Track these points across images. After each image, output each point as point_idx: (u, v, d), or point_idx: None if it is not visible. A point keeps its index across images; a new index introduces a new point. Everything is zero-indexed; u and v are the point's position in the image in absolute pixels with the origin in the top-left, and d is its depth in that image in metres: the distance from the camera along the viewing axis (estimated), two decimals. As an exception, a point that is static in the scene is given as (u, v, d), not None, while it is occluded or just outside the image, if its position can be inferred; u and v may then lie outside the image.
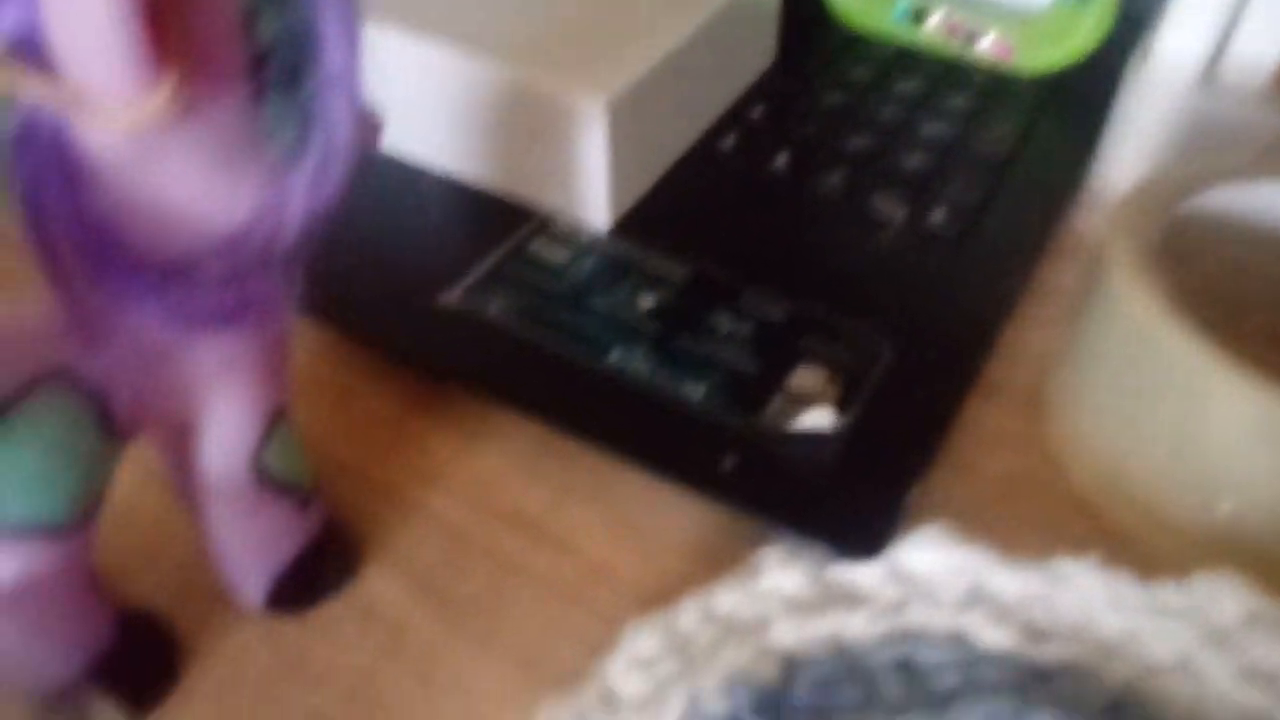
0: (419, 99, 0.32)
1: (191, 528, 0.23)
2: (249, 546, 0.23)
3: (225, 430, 0.21)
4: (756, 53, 0.38)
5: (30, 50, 0.15)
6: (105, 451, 0.19)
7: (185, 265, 0.18)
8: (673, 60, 0.32)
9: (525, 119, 0.31)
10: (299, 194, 0.18)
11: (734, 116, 0.37)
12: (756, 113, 0.37)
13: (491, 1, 0.33)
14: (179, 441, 0.21)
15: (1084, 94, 0.36)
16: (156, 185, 0.17)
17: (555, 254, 0.31)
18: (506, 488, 0.28)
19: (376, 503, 0.27)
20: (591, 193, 0.31)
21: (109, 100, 0.15)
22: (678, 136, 0.35)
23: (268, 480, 0.22)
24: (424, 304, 0.30)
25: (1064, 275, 0.33)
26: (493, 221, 0.32)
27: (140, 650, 0.23)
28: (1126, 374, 0.25)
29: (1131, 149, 0.33)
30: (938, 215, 0.33)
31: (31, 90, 0.15)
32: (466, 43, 0.31)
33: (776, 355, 0.28)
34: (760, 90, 0.38)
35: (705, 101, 0.36)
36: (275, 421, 0.22)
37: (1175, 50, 0.33)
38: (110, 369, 0.18)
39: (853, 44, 0.41)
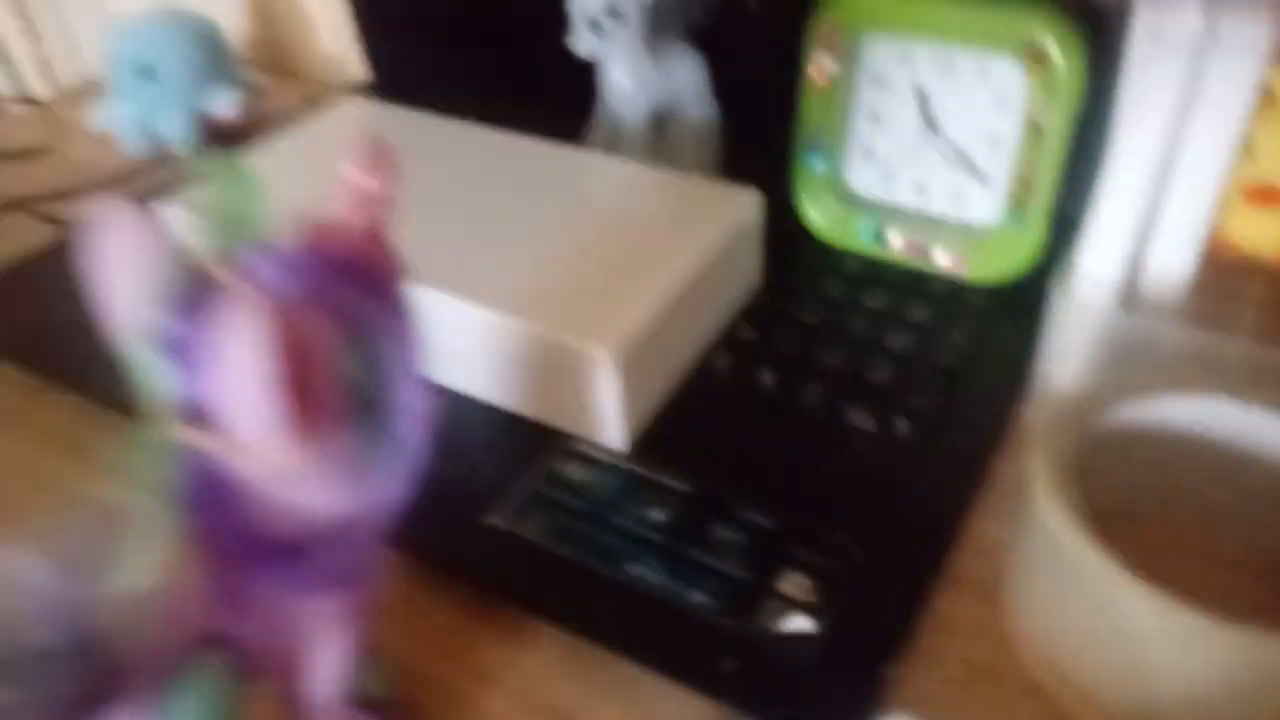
0: (462, 345, 0.39)
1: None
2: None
3: (327, 665, 0.27)
4: (744, 277, 0.45)
5: (197, 411, 0.21)
6: (241, 693, 0.24)
7: (304, 546, 0.24)
8: (673, 302, 0.38)
9: (548, 363, 0.37)
10: (388, 491, 0.23)
11: (727, 338, 0.43)
12: (745, 334, 0.43)
13: (514, 264, 0.40)
14: (289, 676, 0.26)
15: (1028, 303, 0.42)
16: (285, 495, 0.22)
17: (580, 474, 0.37)
18: (547, 685, 0.33)
19: (439, 701, 0.32)
20: (608, 421, 0.37)
21: (262, 450, 0.21)
22: (678, 362, 0.41)
23: (364, 702, 0.28)
24: (474, 523, 0.35)
25: (1017, 468, 0.38)
26: (528, 442, 0.38)
27: None
28: (1053, 578, 0.30)
29: (1062, 355, 0.39)
30: (902, 425, 0.38)
31: (204, 442, 0.21)
32: (496, 302, 0.37)
33: (767, 562, 0.33)
34: (748, 312, 0.44)
35: (701, 329, 0.42)
36: (368, 652, 0.27)
37: (1093, 268, 0.38)
38: (247, 629, 0.24)
39: (828, 259, 0.47)
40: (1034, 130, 0.41)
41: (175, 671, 0.23)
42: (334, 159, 0.49)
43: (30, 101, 0.73)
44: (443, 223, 0.43)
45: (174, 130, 0.65)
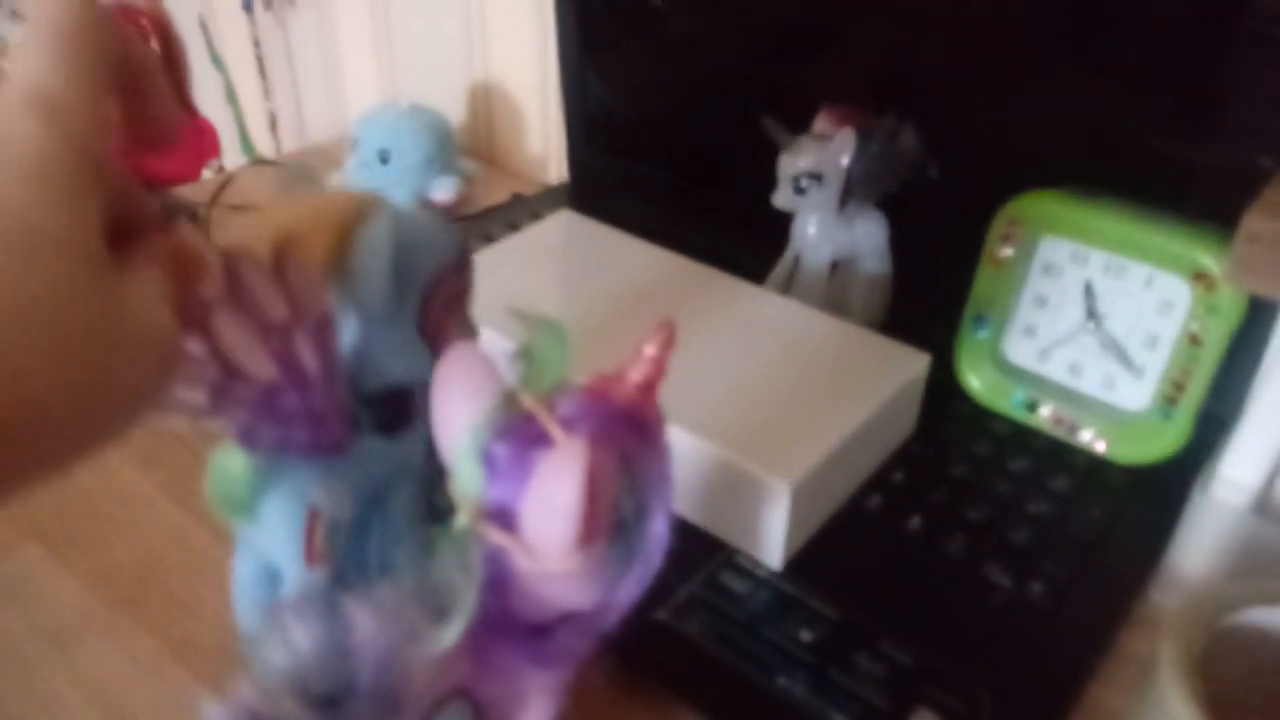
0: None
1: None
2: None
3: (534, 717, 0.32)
4: (903, 426, 0.49)
5: (502, 516, 0.27)
6: (471, 738, 0.30)
7: (549, 629, 0.29)
8: (844, 445, 0.43)
9: (727, 483, 0.43)
10: (625, 593, 0.29)
11: (880, 479, 0.48)
12: (898, 478, 0.48)
13: (705, 390, 0.46)
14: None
15: (1165, 490, 0.46)
16: (548, 589, 0.28)
17: (739, 585, 0.42)
18: (691, 770, 0.38)
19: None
20: (770, 541, 0.42)
21: (549, 556, 0.27)
22: (838, 496, 0.46)
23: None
24: (642, 615, 0.41)
25: (1139, 642, 0.42)
26: (696, 548, 0.44)
27: None
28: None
29: (1196, 549, 0.42)
30: (1036, 587, 0.42)
31: (496, 538, 0.27)
32: (688, 423, 0.43)
33: (903, 695, 0.37)
34: (902, 457, 0.49)
35: (861, 468, 0.47)
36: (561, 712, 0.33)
37: (1233, 476, 0.42)
38: (485, 687, 0.30)
39: (980, 419, 0.51)
40: (1191, 339, 0.45)
41: (431, 713, 0.29)
42: (548, 267, 0.57)
43: (265, 163, 0.83)
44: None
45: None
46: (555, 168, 0.84)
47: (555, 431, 0.27)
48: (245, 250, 0.29)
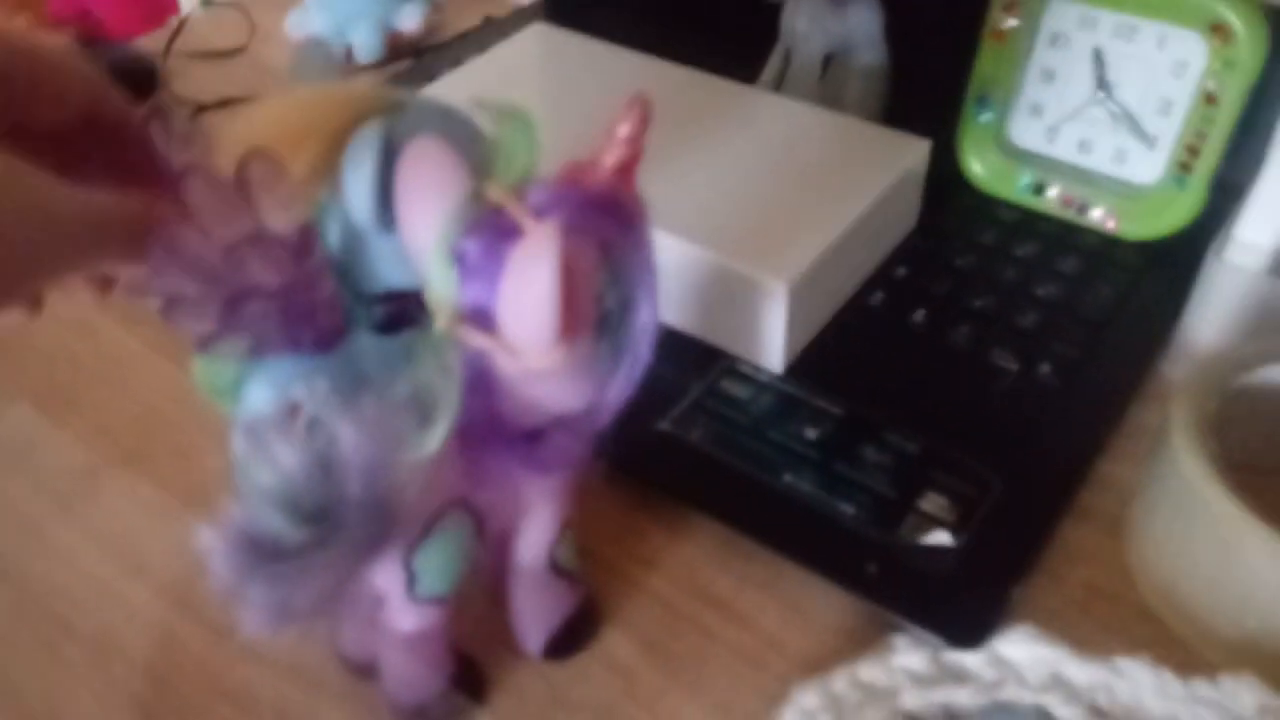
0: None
1: (496, 601, 0.34)
2: (536, 613, 0.34)
3: (537, 534, 0.32)
4: (903, 219, 0.47)
5: (479, 316, 0.26)
6: (474, 548, 0.30)
7: (541, 433, 0.28)
8: (842, 241, 0.42)
9: (722, 288, 0.41)
10: (615, 391, 0.28)
11: (882, 275, 0.46)
12: (900, 272, 0.46)
13: (696, 195, 0.43)
14: (503, 541, 0.32)
15: (1177, 263, 0.44)
16: (534, 389, 0.27)
17: (741, 391, 0.41)
18: (703, 572, 0.38)
19: (609, 579, 0.37)
20: (770, 344, 0.41)
21: (529, 353, 0.25)
22: (838, 295, 0.44)
23: (556, 568, 0.33)
24: (645, 427, 0.40)
25: (1150, 415, 0.41)
26: (693, 359, 0.43)
27: (464, 678, 0.34)
28: (1180, 518, 0.33)
29: (1209, 317, 0.41)
30: (1044, 369, 0.41)
31: (480, 341, 0.26)
32: (678, 229, 0.41)
33: (911, 482, 0.37)
34: (904, 251, 0.47)
35: (861, 266, 0.45)
36: (566, 526, 0.33)
37: (1249, 239, 0.40)
38: (486, 498, 0.29)
39: (983, 207, 0.49)
40: (1207, 99, 0.42)
41: (431, 524, 0.28)
42: (522, 83, 0.54)
43: (230, 4, 0.79)
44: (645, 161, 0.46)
45: (362, 41, 0.70)
46: (530, -14, 0.79)
47: (526, 221, 0.25)
48: (204, 167, 0.27)
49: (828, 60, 0.53)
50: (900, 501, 0.37)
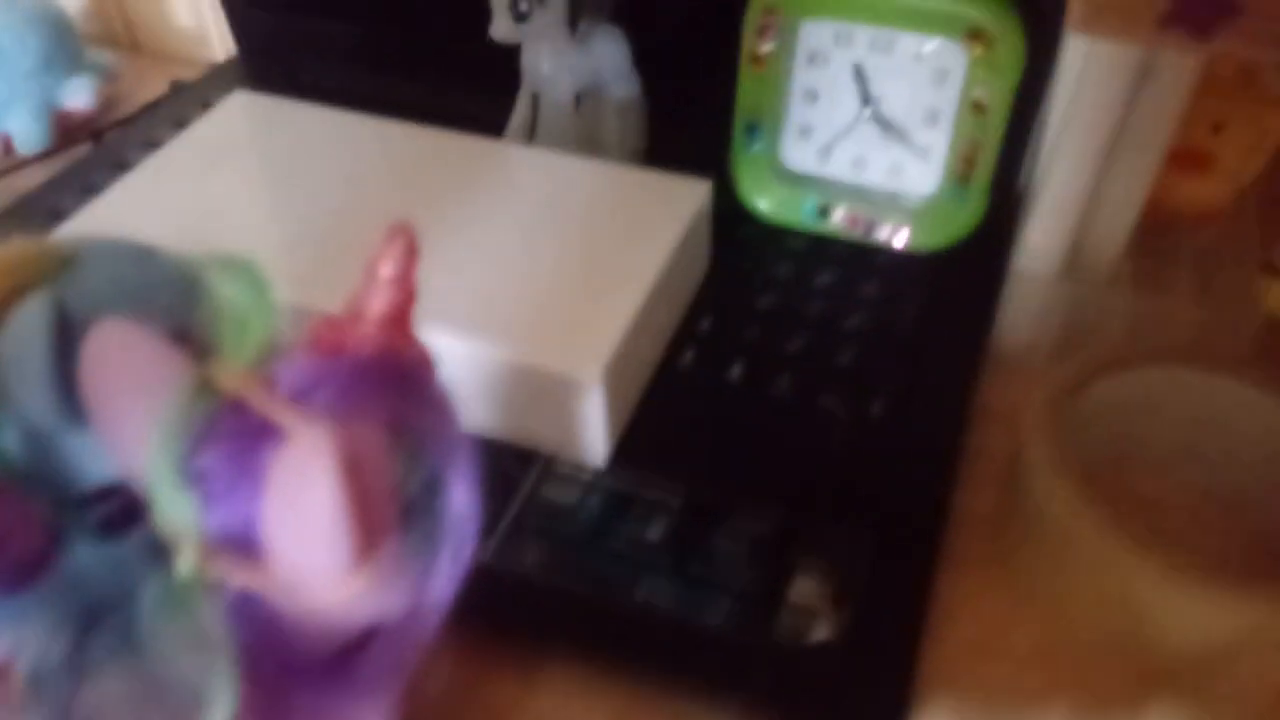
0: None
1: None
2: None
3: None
4: (697, 266, 0.44)
5: (235, 547, 0.19)
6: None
7: (349, 656, 0.22)
8: (645, 308, 0.37)
9: (524, 386, 0.36)
10: (439, 586, 0.22)
11: (687, 331, 0.42)
12: (705, 325, 0.42)
13: (468, 282, 0.38)
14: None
15: (974, 274, 0.43)
16: (331, 615, 0.21)
17: (565, 496, 0.36)
18: (570, 718, 0.32)
19: (457, 758, 0.31)
20: (588, 438, 0.36)
21: (317, 586, 0.19)
22: (648, 363, 0.40)
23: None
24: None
25: (985, 437, 0.39)
26: (501, 470, 0.37)
27: None
28: (1056, 555, 0.32)
29: (1018, 326, 0.40)
30: (875, 407, 0.39)
31: (244, 576, 0.19)
32: (457, 326, 0.36)
33: (774, 570, 0.33)
34: (703, 301, 0.44)
35: (665, 326, 0.41)
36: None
37: (1041, 241, 0.40)
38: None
39: (772, 239, 0.47)
40: (975, 107, 0.41)
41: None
42: (235, 166, 0.46)
43: None
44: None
45: (23, 128, 0.58)
46: (218, 40, 0.69)
47: (284, 417, 0.19)
48: None
49: (578, 100, 0.49)
50: (768, 596, 0.33)
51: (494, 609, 0.33)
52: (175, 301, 0.25)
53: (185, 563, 0.19)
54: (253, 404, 0.19)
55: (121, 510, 0.26)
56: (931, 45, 0.42)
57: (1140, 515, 0.37)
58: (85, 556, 0.26)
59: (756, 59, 0.43)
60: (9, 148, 0.58)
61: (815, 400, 0.39)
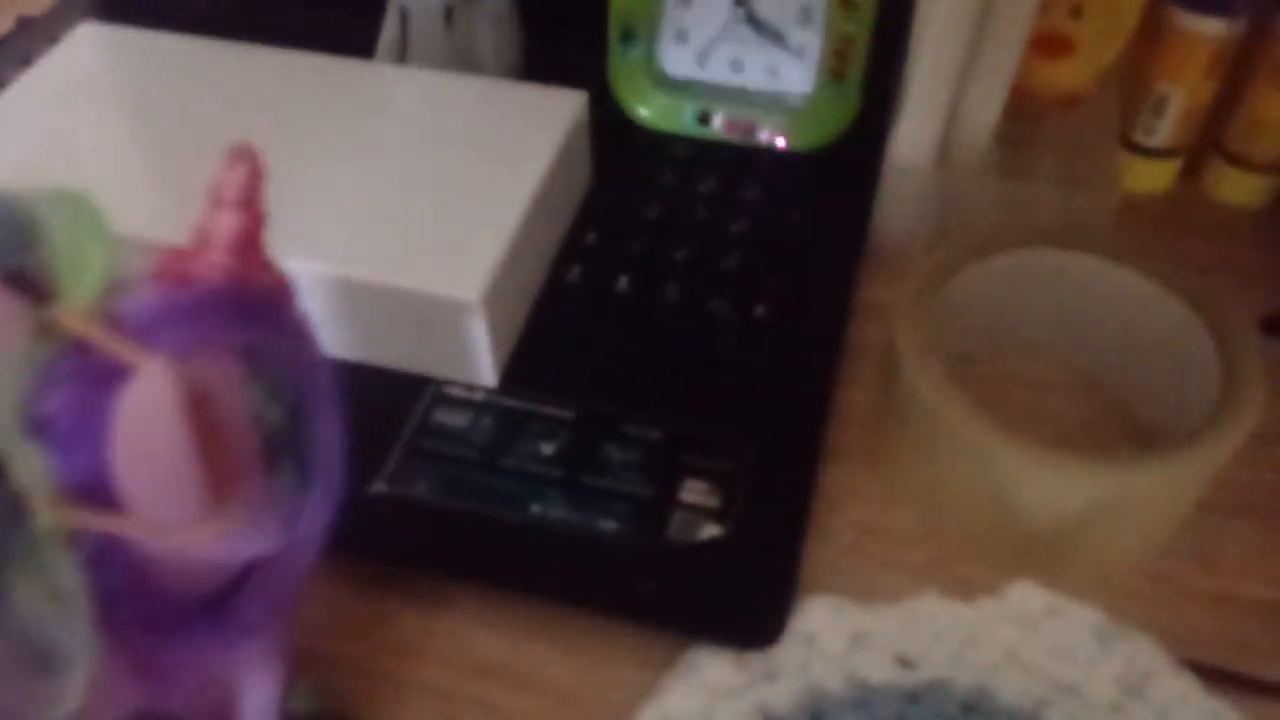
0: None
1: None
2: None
3: (258, 698, 0.25)
4: (579, 180, 0.43)
5: (89, 492, 0.19)
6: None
7: (220, 599, 0.22)
8: (523, 225, 0.37)
9: (406, 312, 0.35)
10: (312, 520, 0.22)
11: (572, 246, 0.42)
12: (590, 239, 0.42)
13: (341, 209, 0.37)
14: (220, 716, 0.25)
15: (852, 170, 0.44)
16: (196, 555, 0.21)
17: (457, 419, 0.36)
18: (471, 644, 0.33)
19: (367, 683, 0.32)
20: (475, 359, 0.36)
21: (174, 527, 0.19)
22: (534, 281, 0.40)
23: (293, 717, 0.27)
24: (359, 494, 0.34)
25: (866, 331, 0.41)
26: (390, 397, 0.37)
27: None
28: (928, 445, 0.33)
29: (894, 220, 0.41)
30: (760, 309, 0.39)
31: (100, 523, 0.19)
32: (333, 256, 0.35)
33: (666, 474, 0.34)
34: (587, 214, 0.43)
35: (549, 242, 0.41)
36: (292, 672, 0.26)
37: (913, 132, 0.40)
38: (173, 697, 0.22)
39: (654, 147, 0.46)
40: (843, 2, 0.41)
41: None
42: (87, 102, 0.43)
43: None
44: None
45: None
46: (64, -29, 0.65)
47: (128, 355, 0.18)
48: None
49: (449, 13, 0.47)
50: (660, 499, 0.34)
51: (392, 537, 0.33)
52: (6, 241, 0.24)
53: (40, 515, 0.19)
54: (96, 344, 0.18)
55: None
56: (798, -59, 0.41)
57: (1012, 395, 0.39)
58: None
59: (625, -37, 0.43)
60: None
61: (702, 306, 0.40)
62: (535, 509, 0.33)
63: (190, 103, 0.42)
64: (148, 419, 0.17)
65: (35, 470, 0.18)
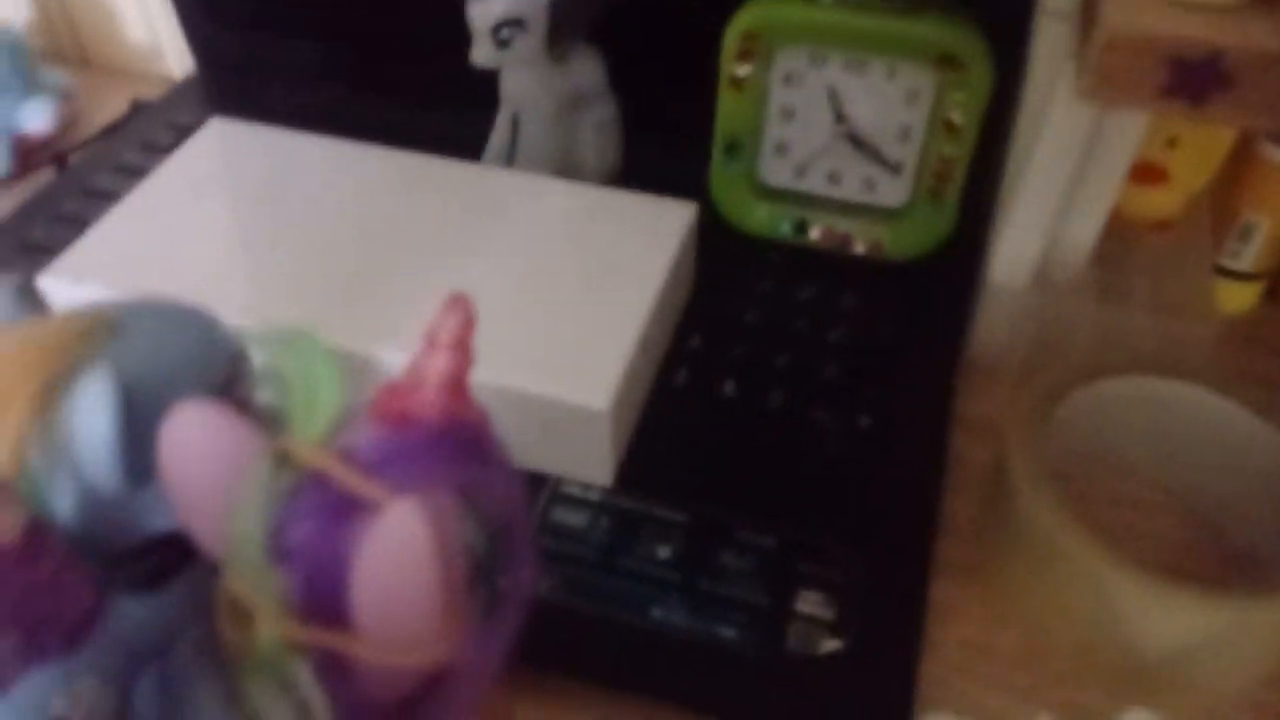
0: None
1: None
2: None
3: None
4: (684, 286, 0.45)
5: (320, 615, 0.20)
6: None
7: (409, 706, 0.23)
8: (641, 336, 0.38)
9: (536, 417, 0.37)
10: (498, 640, 0.23)
11: (678, 350, 0.43)
12: (695, 343, 0.44)
13: (483, 323, 0.38)
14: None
15: (947, 286, 0.45)
16: (407, 670, 0.22)
17: (575, 518, 0.37)
18: (593, 744, 0.33)
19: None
20: (594, 460, 0.38)
21: (408, 652, 0.20)
22: (646, 386, 0.41)
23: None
24: (481, 593, 0.35)
25: (964, 444, 0.42)
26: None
27: None
28: (1041, 566, 0.34)
29: (987, 335, 0.43)
30: (863, 418, 0.41)
31: (335, 642, 0.20)
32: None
33: (780, 583, 0.35)
34: (691, 319, 0.45)
35: (659, 347, 0.43)
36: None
37: (1012, 252, 0.42)
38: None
39: (751, 254, 0.48)
40: (945, 125, 0.43)
41: None
42: (220, 198, 0.46)
43: None
44: (378, 273, 0.40)
45: (-19, 155, 0.57)
46: (174, 54, 0.68)
47: (369, 491, 0.19)
48: None
49: (561, 122, 0.50)
50: (777, 609, 0.34)
51: (518, 636, 0.34)
52: (222, 368, 0.25)
53: (268, 632, 0.20)
54: (334, 477, 0.20)
55: (169, 560, 0.27)
56: (902, 68, 0.43)
57: (1108, 514, 0.40)
58: (129, 609, 0.26)
59: (736, 82, 0.45)
60: (-34, 176, 0.57)
61: (805, 413, 0.41)
62: (656, 613, 0.34)
63: (315, 203, 0.44)
64: (399, 554, 0.18)
65: (273, 591, 0.20)
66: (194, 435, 0.20)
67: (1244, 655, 0.33)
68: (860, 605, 0.35)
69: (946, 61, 0.42)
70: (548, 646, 0.34)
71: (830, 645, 0.33)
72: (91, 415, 0.22)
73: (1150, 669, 0.33)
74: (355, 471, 0.20)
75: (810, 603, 0.35)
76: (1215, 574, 0.37)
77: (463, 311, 0.22)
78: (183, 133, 0.51)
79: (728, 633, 0.34)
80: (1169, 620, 0.31)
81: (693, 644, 0.34)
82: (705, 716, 0.33)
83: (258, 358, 0.22)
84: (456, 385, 0.22)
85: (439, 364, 0.22)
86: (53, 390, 0.22)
